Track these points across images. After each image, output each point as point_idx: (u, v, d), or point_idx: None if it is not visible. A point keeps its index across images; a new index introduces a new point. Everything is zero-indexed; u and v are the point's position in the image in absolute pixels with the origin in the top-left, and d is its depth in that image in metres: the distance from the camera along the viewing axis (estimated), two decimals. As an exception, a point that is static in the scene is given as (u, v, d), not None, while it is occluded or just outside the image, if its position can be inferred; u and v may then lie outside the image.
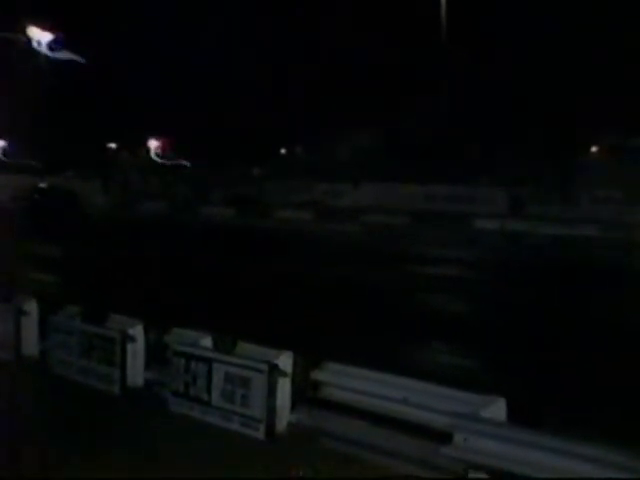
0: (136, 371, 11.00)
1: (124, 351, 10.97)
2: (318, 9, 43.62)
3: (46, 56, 50.70)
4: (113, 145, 69.16)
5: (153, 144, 67.65)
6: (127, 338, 10.98)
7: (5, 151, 64.09)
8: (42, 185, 40.93)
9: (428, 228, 29.13)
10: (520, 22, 36.70)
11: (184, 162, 57.61)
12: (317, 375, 9.54)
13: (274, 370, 9.31)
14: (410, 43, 38.42)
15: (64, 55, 45.08)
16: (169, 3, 50.97)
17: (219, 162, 51.84)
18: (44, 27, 48.16)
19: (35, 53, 50.25)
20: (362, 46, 40.94)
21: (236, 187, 43.73)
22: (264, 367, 9.33)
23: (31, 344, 12.17)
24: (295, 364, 9.52)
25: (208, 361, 9.93)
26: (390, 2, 39.41)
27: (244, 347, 10.10)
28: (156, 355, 10.95)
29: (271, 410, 9.33)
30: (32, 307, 12.30)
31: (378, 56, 40.87)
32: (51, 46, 49.04)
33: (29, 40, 49.42)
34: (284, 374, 9.38)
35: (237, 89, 49.29)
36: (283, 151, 61.02)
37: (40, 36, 50.36)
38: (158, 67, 52.25)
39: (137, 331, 11.10)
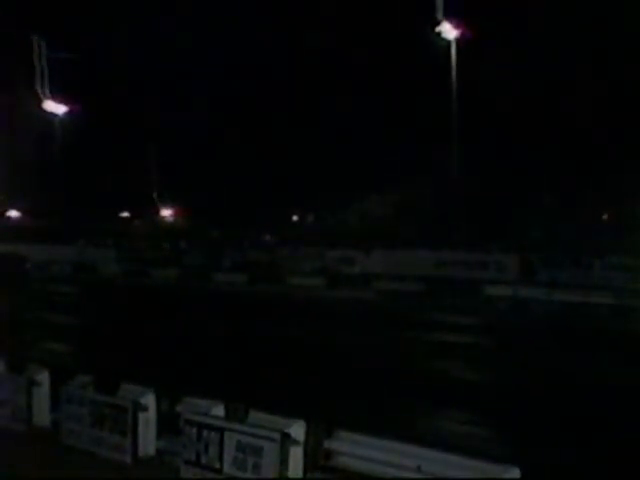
0: (148, 440, 10.94)
1: (136, 420, 10.92)
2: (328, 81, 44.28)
3: (61, 128, 51.56)
4: (126, 214, 69.78)
5: (166, 212, 68.22)
6: (139, 407, 10.95)
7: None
8: None
9: (440, 295, 29.05)
10: (534, 91, 37.09)
11: (195, 229, 57.97)
12: (330, 444, 9.46)
13: (286, 439, 9.24)
14: (420, 107, 38.83)
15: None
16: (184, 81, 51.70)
17: (232, 228, 52.15)
18: (61, 99, 49.15)
19: (50, 122, 51.21)
20: (372, 113, 41.42)
21: (248, 253, 43.88)
22: (276, 436, 9.26)
23: (43, 415, 12.13)
24: (308, 433, 9.45)
25: (220, 430, 9.87)
26: (397, 70, 39.91)
27: (256, 415, 10.04)
28: (168, 424, 10.90)
29: (283, 479, 9.24)
30: (44, 377, 12.30)
31: (388, 122, 41.30)
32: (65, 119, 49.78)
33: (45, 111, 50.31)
34: (296, 443, 9.31)
35: (249, 156, 49.86)
36: (295, 218, 61.39)
37: (56, 109, 51.37)
38: (172, 135, 53.00)
39: (149, 400, 11.06)
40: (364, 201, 47.76)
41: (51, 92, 49.12)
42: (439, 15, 35.94)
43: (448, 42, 36.94)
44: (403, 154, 41.04)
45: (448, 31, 37.48)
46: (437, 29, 36.40)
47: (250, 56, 47.77)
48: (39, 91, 48.05)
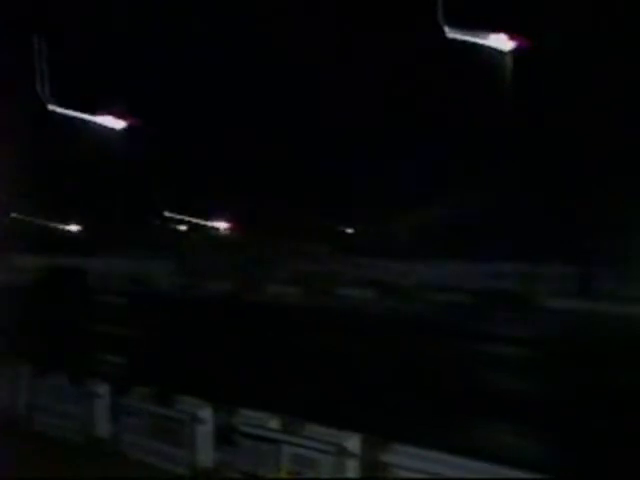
0: (205, 452, 11.08)
1: (193, 433, 11.07)
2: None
3: (119, 144, 52.41)
4: (183, 227, 70.49)
5: (221, 224, 68.73)
6: (196, 420, 11.10)
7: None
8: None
9: (495, 307, 28.79)
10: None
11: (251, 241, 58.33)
12: (385, 457, 9.50)
13: (342, 452, 9.31)
14: (467, 120, 38.58)
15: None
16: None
17: (285, 241, 52.35)
18: (119, 114, 49.86)
19: (108, 138, 51.99)
20: (419, 127, 41.31)
21: (302, 265, 44.03)
22: (332, 449, 9.33)
23: (103, 426, 12.36)
24: (363, 446, 9.50)
25: (276, 442, 9.96)
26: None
27: (312, 428, 10.12)
28: (225, 437, 11.02)
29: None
30: (104, 390, 12.53)
31: (435, 135, 41.13)
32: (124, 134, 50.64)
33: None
34: (352, 456, 9.37)
35: (303, 171, 50.05)
36: (348, 229, 61.41)
37: (114, 124, 52.14)
38: (227, 151, 53.40)
39: (206, 413, 11.21)
40: (414, 214, 47.64)
41: (111, 106, 49.90)
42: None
43: (501, 53, 36.67)
44: (452, 167, 40.89)
45: (503, 42, 37.17)
46: (491, 39, 36.17)
47: (301, 72, 48.02)
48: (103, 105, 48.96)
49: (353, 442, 9.45)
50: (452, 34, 31.19)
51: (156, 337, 23.28)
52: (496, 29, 35.90)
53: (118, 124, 51.86)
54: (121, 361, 19.60)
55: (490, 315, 28.55)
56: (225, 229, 66.65)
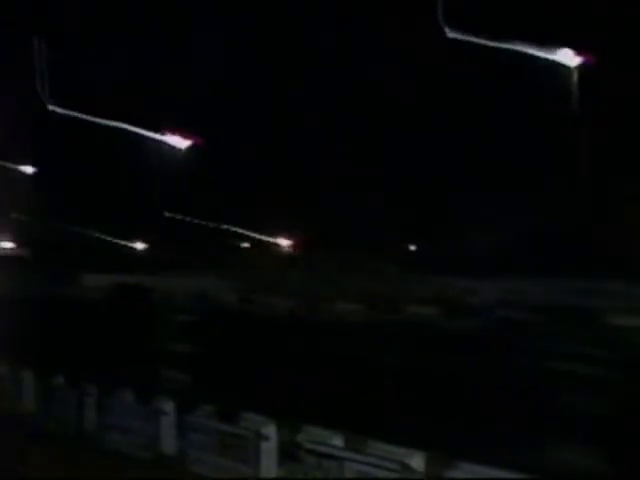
0: (270, 469, 11.14)
1: (258, 449, 11.14)
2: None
3: (184, 161, 53.14)
4: (246, 244, 71.10)
5: (284, 241, 69.13)
6: (260, 437, 11.17)
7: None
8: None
9: (562, 324, 28.33)
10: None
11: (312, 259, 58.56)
12: (450, 475, 9.43)
13: (406, 470, 9.27)
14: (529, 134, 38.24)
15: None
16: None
17: (349, 257, 52.41)
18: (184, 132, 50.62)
19: (173, 156, 52.81)
20: (487, 144, 41.08)
21: (364, 282, 43.98)
22: (396, 467, 9.31)
23: (170, 443, 12.51)
24: (427, 463, 9.46)
25: (340, 459, 9.97)
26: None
27: (375, 446, 10.10)
28: (289, 453, 11.07)
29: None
30: (170, 407, 12.69)
31: (501, 153, 40.83)
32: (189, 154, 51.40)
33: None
34: (417, 473, 9.33)
35: (365, 187, 50.11)
36: (411, 246, 61.24)
37: (179, 142, 52.98)
38: (291, 167, 53.74)
39: (270, 430, 11.27)
40: (480, 230, 47.28)
41: (174, 125, 50.74)
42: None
43: (567, 69, 36.27)
44: (519, 182, 40.53)
45: (569, 57, 36.76)
46: (556, 55, 35.80)
47: (371, 90, 48.14)
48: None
49: (417, 459, 9.41)
50: (521, 48, 30.89)
51: (220, 354, 23.49)
52: (563, 44, 35.52)
53: (183, 143, 52.74)
54: (186, 378, 19.82)
55: (558, 332, 28.12)
56: (288, 245, 67.06)
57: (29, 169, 63.20)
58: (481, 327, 29.61)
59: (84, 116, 38.56)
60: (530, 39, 34.29)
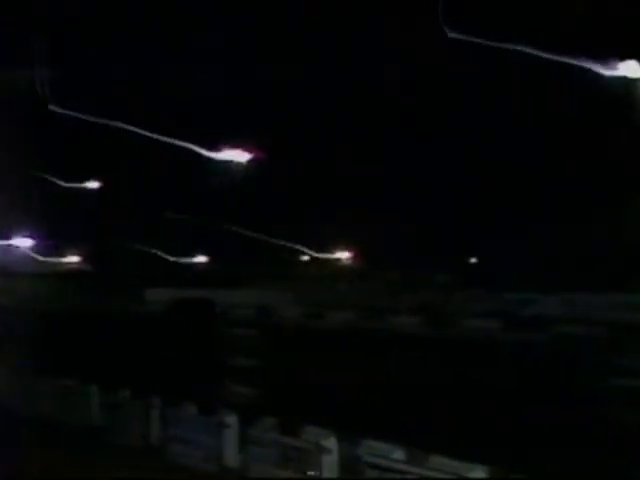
0: (331, 483, 11.24)
1: (319, 463, 11.24)
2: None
3: (243, 175, 53.64)
4: (305, 257, 71.40)
5: (343, 254, 69.26)
6: (321, 450, 11.26)
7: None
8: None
9: (629, 341, 27.80)
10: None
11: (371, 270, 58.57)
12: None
13: (467, 484, 9.30)
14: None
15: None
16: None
17: (407, 270, 52.32)
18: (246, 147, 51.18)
19: (232, 170, 53.37)
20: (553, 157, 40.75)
21: (421, 295, 43.86)
22: (457, 481, 9.33)
23: (233, 456, 12.68)
24: (489, 478, 9.46)
25: (401, 473, 10.02)
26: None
27: (437, 460, 10.12)
28: (349, 466, 11.14)
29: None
30: (233, 420, 12.86)
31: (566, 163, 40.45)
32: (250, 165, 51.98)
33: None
34: (478, 488, 9.34)
35: (426, 201, 50.05)
36: (471, 259, 60.87)
37: (240, 157, 53.50)
38: (350, 181, 53.92)
39: (331, 443, 11.35)
40: (539, 242, 46.84)
41: (237, 140, 51.35)
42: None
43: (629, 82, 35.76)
44: (585, 197, 40.16)
45: (634, 70, 36.42)
46: (618, 68, 35.35)
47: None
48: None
49: (478, 474, 9.41)
50: (584, 64, 30.49)
51: (282, 368, 23.66)
52: (625, 57, 35.08)
53: (244, 157, 53.21)
54: (249, 392, 20.02)
55: (624, 348, 27.64)
56: (347, 259, 67.16)
57: (94, 185, 64.35)
58: (543, 342, 29.32)
59: (145, 132, 39.12)
60: (592, 54, 33.86)
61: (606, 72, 32.03)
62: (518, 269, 44.92)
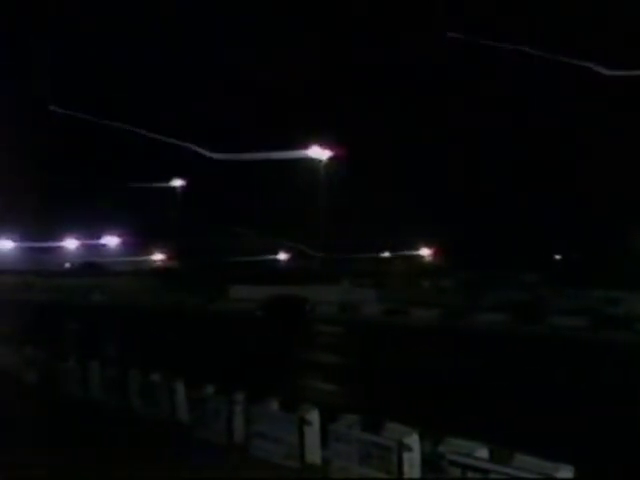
0: (413, 480, 11.10)
1: (401, 460, 11.12)
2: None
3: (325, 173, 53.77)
4: (386, 254, 71.28)
5: (425, 251, 68.94)
6: (403, 447, 11.14)
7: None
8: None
9: None
10: None
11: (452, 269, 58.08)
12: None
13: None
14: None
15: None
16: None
17: (490, 267, 51.73)
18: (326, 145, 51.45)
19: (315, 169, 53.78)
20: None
21: (508, 293, 43.23)
22: (543, 480, 9.13)
23: (314, 452, 12.65)
24: (576, 478, 9.23)
25: (485, 472, 9.84)
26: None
27: (521, 459, 9.91)
28: (431, 464, 10.99)
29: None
30: (314, 416, 12.82)
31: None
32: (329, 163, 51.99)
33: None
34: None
35: (508, 197, 49.45)
36: (558, 257, 59.82)
37: (320, 154, 53.88)
38: (433, 181, 53.70)
39: (413, 440, 11.21)
40: (633, 237, 45.70)
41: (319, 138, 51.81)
42: None
43: None
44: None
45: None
46: None
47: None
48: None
49: (565, 473, 9.19)
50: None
51: (365, 364, 23.66)
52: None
53: (324, 154, 53.31)
54: (330, 388, 20.08)
55: None
56: (429, 256, 66.76)
57: (178, 183, 65.13)
58: (632, 340, 28.60)
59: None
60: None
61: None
62: (605, 267, 43.95)
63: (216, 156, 48.97)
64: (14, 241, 74.47)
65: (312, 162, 52.97)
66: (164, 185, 65.00)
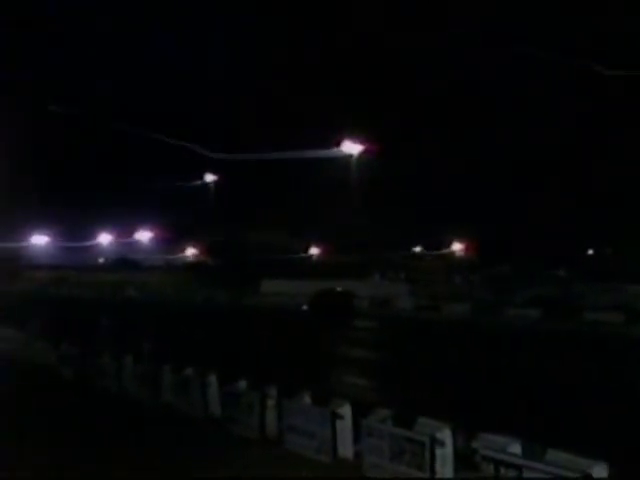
0: (445, 475, 11.07)
1: (433, 455, 11.10)
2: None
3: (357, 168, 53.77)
4: (418, 248, 71.16)
5: (457, 246, 68.74)
6: (436, 442, 11.12)
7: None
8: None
9: None
10: None
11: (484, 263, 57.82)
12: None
13: (587, 480, 9.04)
14: None
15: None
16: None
17: (521, 262, 51.46)
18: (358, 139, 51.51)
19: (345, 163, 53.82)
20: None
21: (540, 288, 42.93)
22: (578, 476, 9.07)
23: (346, 447, 12.67)
24: (610, 474, 9.18)
25: (518, 468, 9.81)
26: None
27: (555, 454, 9.86)
28: (464, 459, 10.96)
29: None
30: (346, 411, 12.84)
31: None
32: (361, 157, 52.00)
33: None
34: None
35: (539, 189, 49.08)
36: (590, 252, 59.30)
37: (352, 148, 53.97)
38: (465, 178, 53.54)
39: (445, 435, 11.19)
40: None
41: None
42: None
43: None
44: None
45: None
46: None
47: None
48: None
49: (599, 470, 9.14)
50: None
51: (397, 359, 23.64)
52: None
53: (356, 149, 53.26)
54: (363, 383, 20.08)
55: None
56: (460, 250, 66.51)
57: (210, 178, 65.46)
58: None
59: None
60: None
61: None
62: (638, 262, 43.51)
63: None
64: (49, 237, 75.38)
65: (343, 159, 53.06)
66: (197, 183, 65.59)
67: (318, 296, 39.88)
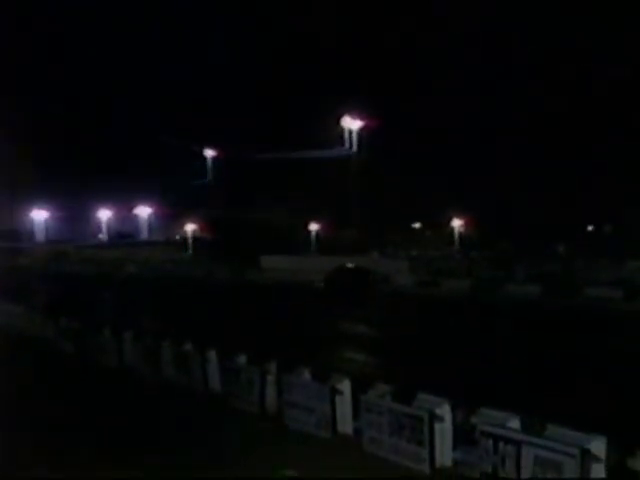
0: (444, 451, 11.09)
1: (432, 431, 11.11)
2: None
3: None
4: (417, 225, 71.08)
5: (456, 223, 68.62)
6: (435, 418, 11.13)
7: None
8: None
9: None
10: None
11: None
12: (633, 463, 9.12)
13: (586, 455, 9.02)
14: None
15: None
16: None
17: (521, 239, 51.44)
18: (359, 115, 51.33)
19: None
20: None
21: (540, 265, 42.89)
22: (576, 452, 9.07)
23: (346, 422, 12.67)
24: (609, 449, 9.18)
25: (517, 443, 9.81)
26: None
27: (554, 430, 9.86)
28: (463, 435, 10.97)
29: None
30: (346, 386, 12.83)
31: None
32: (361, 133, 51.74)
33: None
34: (598, 460, 9.06)
35: (541, 164, 49.02)
36: (590, 228, 59.27)
37: (351, 124, 53.86)
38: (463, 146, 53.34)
39: (444, 411, 11.20)
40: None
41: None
42: None
43: None
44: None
45: None
46: None
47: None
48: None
49: (597, 445, 9.13)
50: None
51: (397, 335, 23.62)
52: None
53: (355, 125, 52.79)
54: (362, 358, 20.08)
55: None
56: (460, 226, 66.39)
57: (210, 153, 65.15)
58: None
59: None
60: None
61: None
62: (638, 238, 43.45)
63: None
64: (48, 211, 75.30)
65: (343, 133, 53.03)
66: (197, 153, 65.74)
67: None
